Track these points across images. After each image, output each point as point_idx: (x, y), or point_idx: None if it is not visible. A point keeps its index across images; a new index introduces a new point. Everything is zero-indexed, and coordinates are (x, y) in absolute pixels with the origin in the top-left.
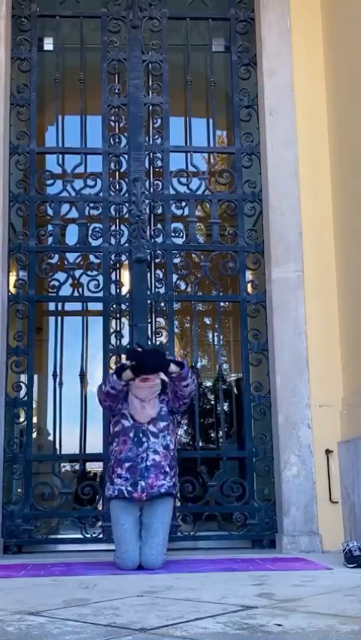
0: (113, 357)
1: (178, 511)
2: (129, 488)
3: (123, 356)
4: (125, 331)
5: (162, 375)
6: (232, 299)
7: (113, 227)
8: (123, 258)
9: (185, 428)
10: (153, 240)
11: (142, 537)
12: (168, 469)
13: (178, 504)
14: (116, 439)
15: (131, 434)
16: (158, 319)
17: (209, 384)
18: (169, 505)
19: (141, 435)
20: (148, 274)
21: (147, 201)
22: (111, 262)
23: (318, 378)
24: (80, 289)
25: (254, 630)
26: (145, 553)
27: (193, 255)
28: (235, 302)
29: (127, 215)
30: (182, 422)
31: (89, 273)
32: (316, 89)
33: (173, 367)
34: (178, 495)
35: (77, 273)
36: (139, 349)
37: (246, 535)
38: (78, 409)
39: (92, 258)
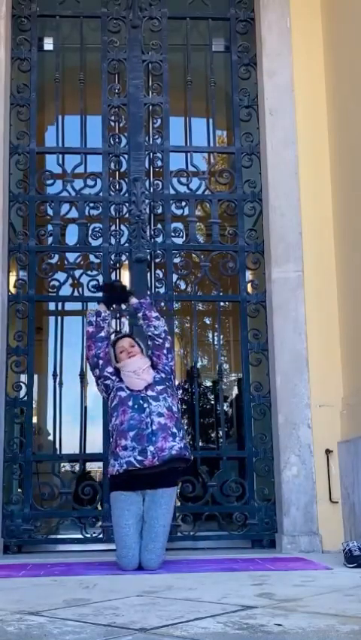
0: None
1: (178, 511)
2: (138, 457)
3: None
4: (125, 331)
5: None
6: (232, 299)
7: (113, 227)
8: (123, 258)
9: (185, 428)
10: (153, 239)
11: (142, 537)
12: (175, 430)
13: (178, 504)
14: (115, 412)
15: (130, 402)
16: None
17: (209, 384)
18: (172, 496)
19: (140, 401)
20: (148, 274)
21: (147, 201)
22: (111, 262)
23: (318, 378)
24: (80, 289)
25: (254, 630)
26: (145, 557)
27: (193, 255)
28: (235, 302)
29: (127, 215)
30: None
31: (89, 273)
32: (316, 89)
33: (134, 300)
34: (191, 458)
35: (77, 273)
36: (107, 283)
37: (246, 535)
38: (78, 409)
39: (92, 257)
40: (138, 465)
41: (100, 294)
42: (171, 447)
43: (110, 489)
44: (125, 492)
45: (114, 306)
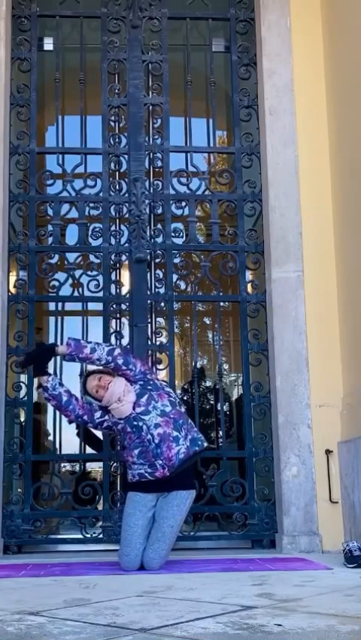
0: None
1: None
2: (149, 470)
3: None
4: (125, 331)
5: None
6: (232, 299)
7: (113, 227)
8: (123, 258)
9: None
10: (153, 240)
11: (150, 535)
12: (176, 433)
13: None
14: (122, 436)
15: (129, 428)
16: (158, 319)
17: (209, 384)
18: (185, 499)
19: (135, 422)
20: (148, 274)
21: (147, 201)
22: (111, 262)
23: (318, 378)
24: (80, 289)
25: (254, 630)
26: (148, 556)
27: (193, 255)
28: (235, 302)
29: (127, 215)
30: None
31: (89, 273)
32: (316, 89)
33: (60, 349)
34: (205, 444)
35: (77, 273)
36: (27, 354)
37: (246, 535)
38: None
39: (92, 258)
40: (150, 477)
41: (101, 294)
42: (177, 452)
43: (126, 489)
44: (140, 493)
45: (47, 367)
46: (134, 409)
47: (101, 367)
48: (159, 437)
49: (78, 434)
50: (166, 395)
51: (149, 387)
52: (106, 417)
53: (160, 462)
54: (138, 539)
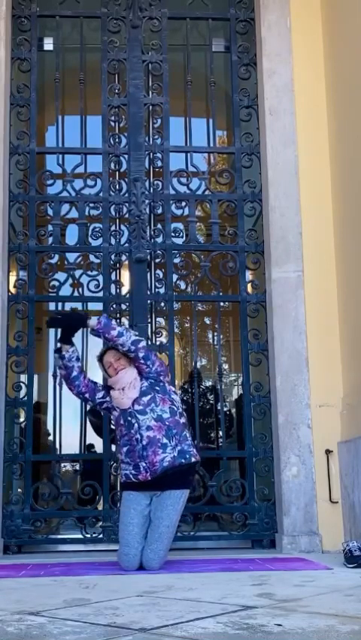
0: None
1: None
2: (133, 471)
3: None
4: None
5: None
6: (232, 299)
7: (113, 227)
8: (123, 258)
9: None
10: (153, 240)
11: (147, 536)
12: (165, 441)
13: None
14: (115, 426)
15: (122, 420)
16: (158, 319)
17: (209, 384)
18: (179, 499)
19: (129, 418)
20: (148, 274)
21: (147, 201)
22: (111, 262)
23: (318, 378)
24: (80, 289)
25: (254, 630)
26: (147, 556)
27: (193, 255)
28: (235, 302)
29: (127, 215)
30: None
31: (89, 273)
32: (316, 89)
33: (91, 322)
34: (195, 459)
35: (77, 273)
36: (58, 317)
37: (246, 535)
38: (78, 409)
39: (92, 258)
40: (133, 479)
41: (101, 294)
42: (161, 459)
43: (120, 489)
44: (133, 492)
45: (74, 336)
46: (133, 404)
47: (112, 349)
48: (147, 439)
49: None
50: (169, 402)
51: (156, 389)
52: (107, 399)
53: (144, 464)
54: (136, 538)
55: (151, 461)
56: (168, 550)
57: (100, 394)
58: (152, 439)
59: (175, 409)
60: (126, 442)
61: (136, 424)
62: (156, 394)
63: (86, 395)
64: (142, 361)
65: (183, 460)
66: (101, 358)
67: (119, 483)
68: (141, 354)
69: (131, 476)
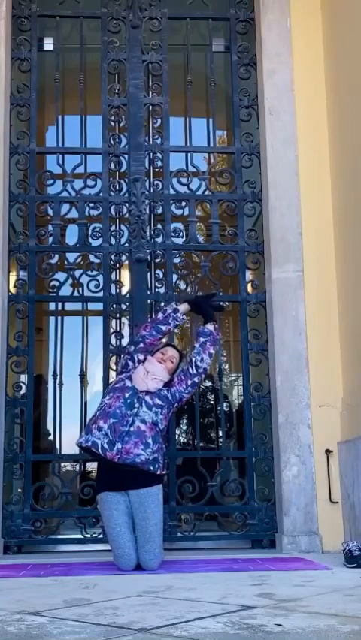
0: (114, 358)
1: (178, 511)
2: (105, 445)
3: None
4: (125, 331)
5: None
6: (232, 299)
7: (113, 227)
8: (123, 258)
9: (185, 428)
10: (153, 240)
11: (137, 539)
12: (150, 442)
13: (176, 504)
14: (112, 393)
15: (127, 394)
16: None
17: (209, 384)
18: (157, 495)
19: (135, 399)
20: (148, 274)
21: (147, 201)
22: (111, 262)
23: (318, 378)
24: (80, 289)
25: (254, 630)
26: (143, 558)
27: (193, 255)
28: (235, 302)
29: (127, 215)
30: (181, 422)
31: (89, 273)
32: (316, 89)
33: (210, 326)
34: (162, 473)
35: (77, 273)
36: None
37: (246, 535)
38: (78, 409)
39: (92, 258)
40: (100, 452)
41: (101, 294)
42: (137, 454)
43: (97, 489)
44: (109, 492)
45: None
46: (146, 393)
47: (179, 354)
48: (136, 429)
49: None
50: (166, 424)
51: (169, 406)
52: (137, 364)
53: (119, 446)
54: (125, 537)
55: (128, 449)
56: (162, 545)
57: (142, 356)
58: (141, 432)
59: (165, 430)
60: (117, 415)
61: (137, 409)
62: (164, 409)
63: (142, 344)
64: (188, 382)
65: (151, 468)
66: (155, 347)
67: (80, 447)
68: (195, 380)
69: (99, 448)
